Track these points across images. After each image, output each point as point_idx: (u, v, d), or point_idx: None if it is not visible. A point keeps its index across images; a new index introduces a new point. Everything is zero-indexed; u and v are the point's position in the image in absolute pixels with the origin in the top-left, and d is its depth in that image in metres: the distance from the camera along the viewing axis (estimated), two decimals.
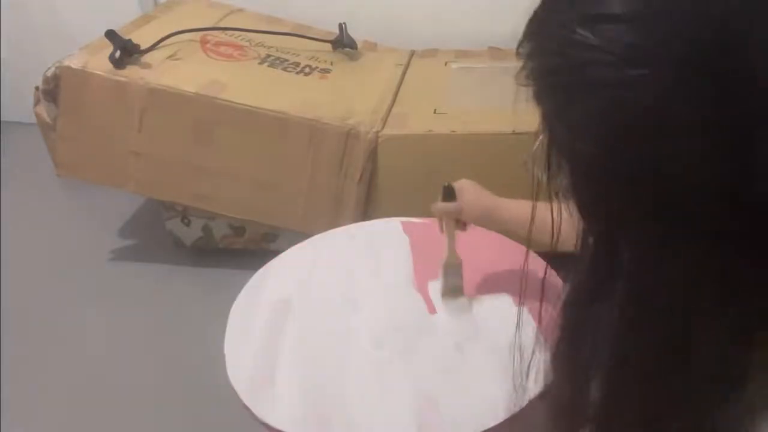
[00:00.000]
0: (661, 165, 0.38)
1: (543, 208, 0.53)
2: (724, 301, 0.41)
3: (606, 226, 0.44)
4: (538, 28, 0.44)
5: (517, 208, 0.97)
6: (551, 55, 0.42)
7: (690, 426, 0.45)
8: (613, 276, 0.44)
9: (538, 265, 1.12)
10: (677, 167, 0.38)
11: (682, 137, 0.37)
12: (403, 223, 1.24)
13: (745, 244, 0.39)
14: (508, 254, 1.13)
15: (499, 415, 0.83)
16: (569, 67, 0.40)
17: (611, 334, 0.45)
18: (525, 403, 0.85)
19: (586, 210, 0.45)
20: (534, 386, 0.87)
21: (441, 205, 1.00)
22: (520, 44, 0.45)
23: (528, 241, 0.51)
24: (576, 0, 0.40)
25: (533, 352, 0.58)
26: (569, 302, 0.49)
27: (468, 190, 1.00)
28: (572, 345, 0.50)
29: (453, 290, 1.03)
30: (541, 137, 0.47)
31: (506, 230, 0.98)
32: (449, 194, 0.99)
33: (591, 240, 0.46)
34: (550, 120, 0.44)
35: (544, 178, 0.48)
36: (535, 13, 0.44)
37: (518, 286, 1.04)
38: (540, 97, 0.44)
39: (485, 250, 1.15)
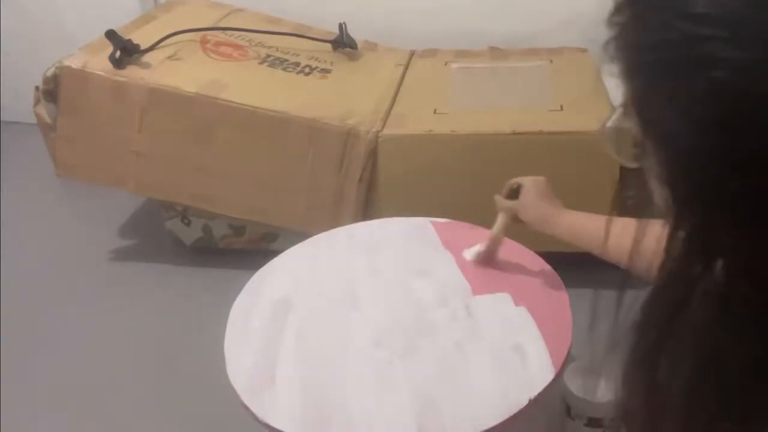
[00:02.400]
0: None
1: (619, 229, 0.49)
2: None
3: (702, 218, 0.39)
4: None
5: (573, 222, 0.95)
6: (654, 29, 0.38)
7: None
8: (705, 274, 0.39)
9: (538, 266, 1.12)
10: None
11: None
12: (402, 222, 1.24)
13: None
14: (509, 254, 1.13)
15: (499, 415, 0.83)
16: (676, 42, 0.36)
17: (695, 344, 0.41)
18: (525, 402, 0.85)
19: (679, 200, 0.39)
20: (533, 386, 0.87)
21: (500, 201, 1.06)
22: (614, 13, 0.41)
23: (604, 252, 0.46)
24: None
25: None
26: (651, 306, 0.44)
27: (530, 191, 1.01)
28: (650, 355, 0.44)
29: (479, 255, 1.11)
30: (614, 116, 0.45)
31: (561, 239, 0.95)
32: (513, 193, 1.05)
33: (682, 234, 0.40)
34: (642, 99, 0.40)
35: (616, 157, 0.45)
36: None
37: (519, 286, 1.05)
38: (632, 74, 0.40)
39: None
